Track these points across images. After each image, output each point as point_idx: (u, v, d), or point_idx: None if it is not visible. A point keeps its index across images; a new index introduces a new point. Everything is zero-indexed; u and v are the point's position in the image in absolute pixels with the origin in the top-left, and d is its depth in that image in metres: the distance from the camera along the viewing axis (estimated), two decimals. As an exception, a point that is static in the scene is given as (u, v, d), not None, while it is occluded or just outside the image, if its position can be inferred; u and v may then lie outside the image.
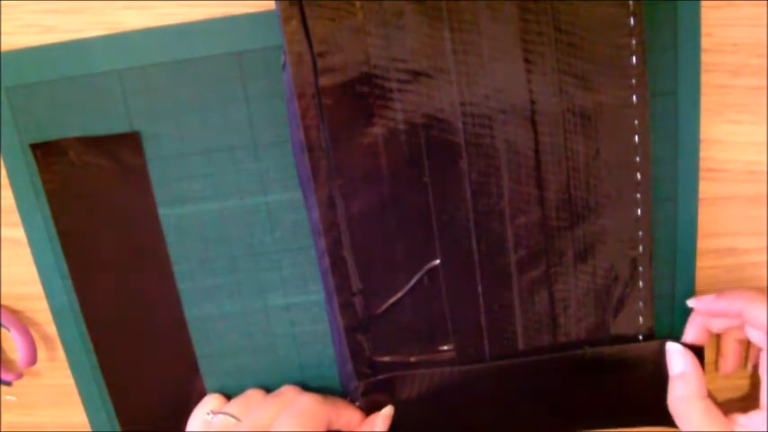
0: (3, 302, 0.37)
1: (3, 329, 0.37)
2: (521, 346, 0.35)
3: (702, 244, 0.35)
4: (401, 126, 0.31)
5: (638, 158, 0.32)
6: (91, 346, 0.36)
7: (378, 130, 0.31)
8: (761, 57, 0.33)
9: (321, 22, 0.30)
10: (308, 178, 0.32)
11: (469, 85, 0.31)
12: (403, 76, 0.31)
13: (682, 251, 0.35)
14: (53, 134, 0.33)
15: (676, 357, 0.34)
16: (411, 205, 0.33)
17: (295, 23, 0.30)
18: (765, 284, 0.37)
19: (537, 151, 0.32)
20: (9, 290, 0.36)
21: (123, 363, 0.36)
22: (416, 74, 0.31)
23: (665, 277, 0.35)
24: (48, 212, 0.34)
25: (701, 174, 0.34)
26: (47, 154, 0.33)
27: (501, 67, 0.31)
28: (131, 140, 0.33)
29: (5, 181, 0.34)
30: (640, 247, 0.34)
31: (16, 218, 0.34)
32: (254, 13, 0.31)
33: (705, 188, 0.34)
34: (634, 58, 0.31)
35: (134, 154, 0.33)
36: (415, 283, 0.34)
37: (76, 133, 0.33)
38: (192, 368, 0.36)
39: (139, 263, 0.35)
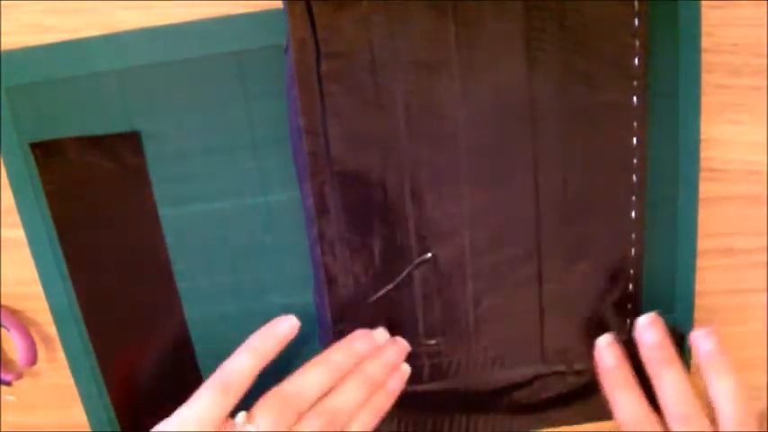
0: (3, 302, 0.37)
1: (3, 329, 0.37)
2: (508, 344, 0.35)
3: (702, 244, 0.35)
4: (401, 116, 0.31)
5: (635, 160, 0.32)
6: (91, 346, 0.36)
7: (377, 119, 0.31)
8: (761, 57, 0.33)
9: (326, 9, 0.30)
10: (304, 164, 0.32)
11: (471, 80, 0.31)
12: (405, 67, 0.31)
13: (682, 251, 0.35)
14: (53, 134, 0.33)
15: (603, 352, 0.34)
16: (406, 202, 0.32)
17: (299, 8, 0.29)
18: (765, 284, 0.37)
19: (534, 149, 0.32)
20: (9, 290, 0.36)
21: (123, 363, 0.36)
22: (419, 65, 0.31)
23: (665, 277, 0.35)
24: (48, 212, 0.34)
25: (701, 174, 0.34)
26: (47, 154, 0.33)
27: (503, 63, 0.31)
28: (131, 140, 0.33)
29: (5, 181, 0.34)
30: (633, 250, 0.34)
31: (16, 218, 0.34)
32: (254, 13, 0.31)
33: (705, 188, 0.34)
34: (637, 60, 0.31)
35: (134, 154, 0.33)
36: (406, 276, 0.34)
37: (76, 133, 0.33)
38: (192, 368, 0.36)
39: (139, 263, 0.35)
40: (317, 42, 0.30)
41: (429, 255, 0.33)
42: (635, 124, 0.32)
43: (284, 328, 0.33)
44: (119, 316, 0.36)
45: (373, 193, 0.32)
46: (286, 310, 0.36)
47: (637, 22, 0.30)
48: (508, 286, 0.34)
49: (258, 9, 0.31)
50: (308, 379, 0.32)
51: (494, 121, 0.31)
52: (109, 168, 0.33)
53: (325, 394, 0.32)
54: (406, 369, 0.35)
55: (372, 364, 0.33)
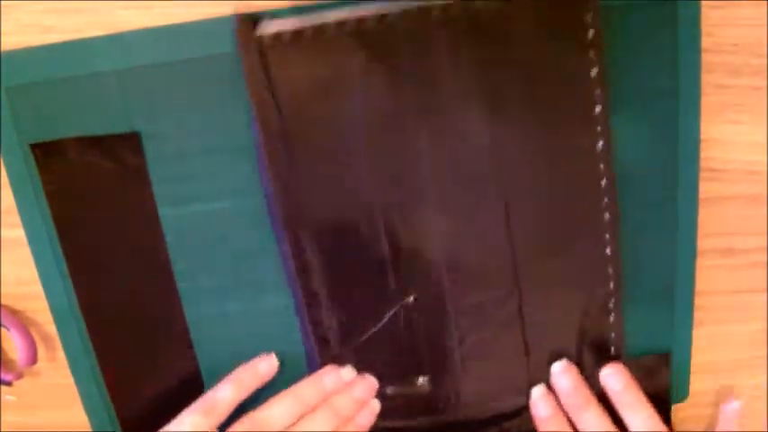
0: (3, 302, 0.37)
1: (3, 329, 0.37)
2: (495, 378, 0.36)
3: (702, 244, 0.35)
4: (370, 171, 0.32)
5: (606, 199, 0.33)
6: (91, 346, 0.36)
7: (346, 176, 0.32)
8: (761, 57, 0.33)
9: (286, 76, 0.31)
10: (279, 223, 0.33)
11: (436, 135, 0.32)
12: (369, 128, 0.31)
13: (682, 251, 0.35)
14: (53, 134, 0.33)
15: (539, 403, 0.36)
16: (381, 250, 0.33)
17: (259, 75, 0.30)
18: (765, 284, 0.37)
19: (505, 195, 0.33)
20: (9, 290, 0.36)
21: (123, 363, 0.36)
22: (382, 123, 0.31)
23: (665, 278, 0.35)
24: (48, 212, 0.34)
25: (701, 174, 0.34)
26: (47, 154, 0.33)
27: (466, 117, 0.31)
28: (131, 140, 0.33)
29: (5, 181, 0.34)
30: (611, 284, 0.34)
31: (16, 218, 0.34)
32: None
33: (705, 188, 0.34)
34: (598, 108, 0.31)
35: (134, 154, 0.33)
36: (390, 319, 0.34)
37: (76, 133, 0.33)
38: (191, 368, 0.36)
39: (139, 263, 0.35)
40: (279, 107, 0.31)
41: (411, 298, 0.34)
42: (601, 166, 0.32)
43: (264, 367, 0.35)
44: (119, 316, 0.36)
45: (351, 244, 0.33)
46: (286, 310, 0.36)
47: (595, 72, 0.31)
48: (491, 325, 0.35)
49: (258, 9, 0.31)
50: (277, 409, 0.34)
51: (461, 170, 0.32)
52: (109, 168, 0.33)
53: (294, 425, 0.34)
54: (375, 405, 0.36)
55: (341, 398, 0.35)
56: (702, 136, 0.33)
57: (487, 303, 0.34)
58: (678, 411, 0.39)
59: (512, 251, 0.33)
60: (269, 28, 0.30)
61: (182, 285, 0.35)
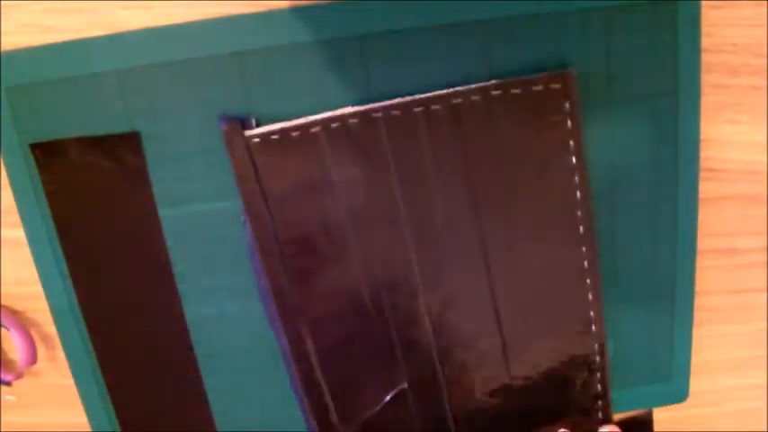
0: (3, 302, 0.37)
1: (3, 329, 0.37)
2: None
3: (702, 244, 0.35)
4: (360, 272, 0.33)
5: (588, 280, 0.34)
6: (91, 346, 0.36)
7: (338, 277, 0.33)
8: (760, 57, 0.33)
9: (277, 181, 0.32)
10: (275, 319, 0.34)
11: (422, 231, 0.33)
12: (357, 228, 0.33)
13: (682, 251, 0.35)
14: (53, 134, 0.33)
15: None
16: (375, 338, 0.35)
17: (252, 183, 0.32)
18: (765, 284, 0.37)
19: (492, 280, 0.34)
20: (9, 290, 0.36)
21: (123, 363, 0.36)
22: (370, 225, 0.33)
23: (665, 278, 0.35)
24: (48, 212, 0.34)
25: (701, 174, 0.34)
26: (47, 154, 0.33)
27: (451, 207, 0.33)
28: (131, 140, 0.33)
29: (5, 181, 0.34)
30: (597, 358, 0.36)
31: (16, 218, 0.34)
32: (254, 14, 0.31)
33: (705, 188, 0.34)
34: (578, 193, 0.33)
35: (134, 154, 0.33)
36: (386, 404, 0.36)
37: (76, 133, 0.33)
38: (192, 368, 0.36)
39: (139, 263, 0.35)
40: (268, 205, 0.32)
41: (405, 385, 0.35)
42: (584, 249, 0.34)
43: None
44: (119, 316, 0.36)
45: (347, 334, 0.34)
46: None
47: (574, 160, 0.32)
48: (482, 402, 0.36)
49: (258, 9, 0.31)
50: None
51: (448, 257, 0.33)
52: (109, 168, 0.33)
53: None
54: None
55: None
56: (702, 136, 0.33)
57: (478, 384, 0.36)
58: (678, 411, 0.39)
59: (500, 334, 0.35)
60: (256, 129, 0.32)
61: (182, 285, 0.35)
